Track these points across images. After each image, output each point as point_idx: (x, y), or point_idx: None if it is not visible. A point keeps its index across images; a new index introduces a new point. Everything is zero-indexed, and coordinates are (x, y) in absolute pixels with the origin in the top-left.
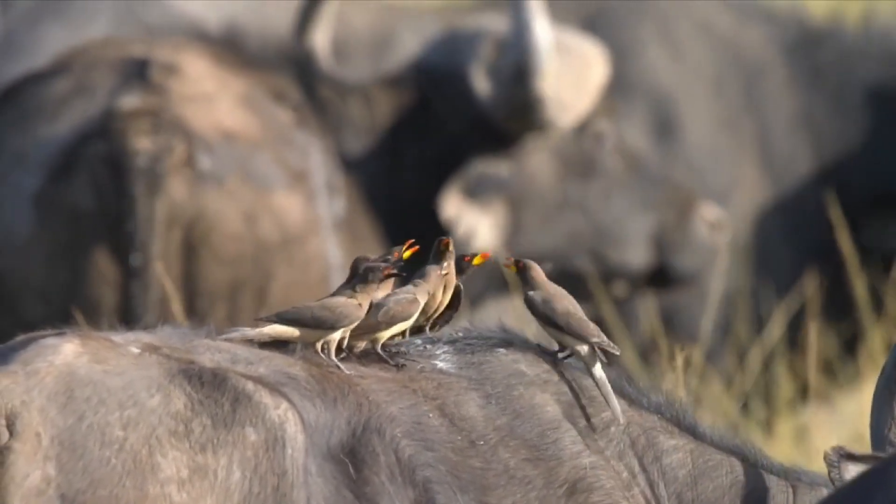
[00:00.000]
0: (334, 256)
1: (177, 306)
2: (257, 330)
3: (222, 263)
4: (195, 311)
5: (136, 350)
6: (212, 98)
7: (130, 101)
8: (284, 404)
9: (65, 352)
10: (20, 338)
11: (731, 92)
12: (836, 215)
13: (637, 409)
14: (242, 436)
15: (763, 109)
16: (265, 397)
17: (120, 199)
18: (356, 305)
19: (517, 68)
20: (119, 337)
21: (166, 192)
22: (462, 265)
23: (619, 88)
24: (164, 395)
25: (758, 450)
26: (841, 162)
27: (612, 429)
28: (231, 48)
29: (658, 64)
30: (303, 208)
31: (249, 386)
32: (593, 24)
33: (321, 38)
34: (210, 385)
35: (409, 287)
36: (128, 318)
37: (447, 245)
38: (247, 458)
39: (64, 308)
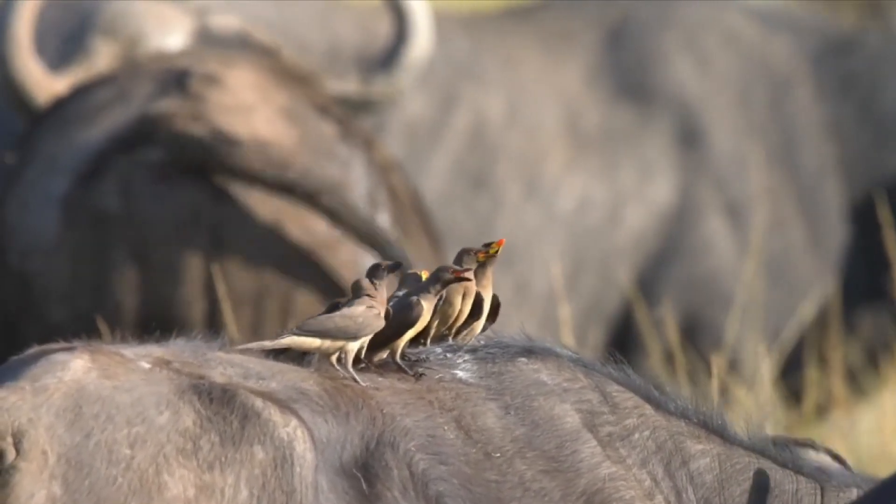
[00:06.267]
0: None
1: (228, 315)
2: (275, 341)
3: (247, 269)
4: (218, 318)
5: (146, 365)
6: (251, 109)
7: (163, 107)
8: (294, 422)
9: (74, 367)
10: (30, 351)
11: (758, 101)
12: (884, 216)
13: (663, 413)
14: (250, 454)
15: (789, 119)
16: (274, 415)
17: (147, 202)
18: (376, 315)
19: None
20: (130, 351)
21: (191, 193)
22: (490, 259)
23: (644, 97)
24: (173, 412)
25: (787, 451)
26: (869, 171)
27: (636, 435)
28: (281, 62)
29: (684, 73)
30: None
31: (259, 403)
32: (619, 33)
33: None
34: (219, 402)
35: (410, 293)
36: (149, 323)
37: (465, 253)
38: (255, 477)
39: (89, 312)
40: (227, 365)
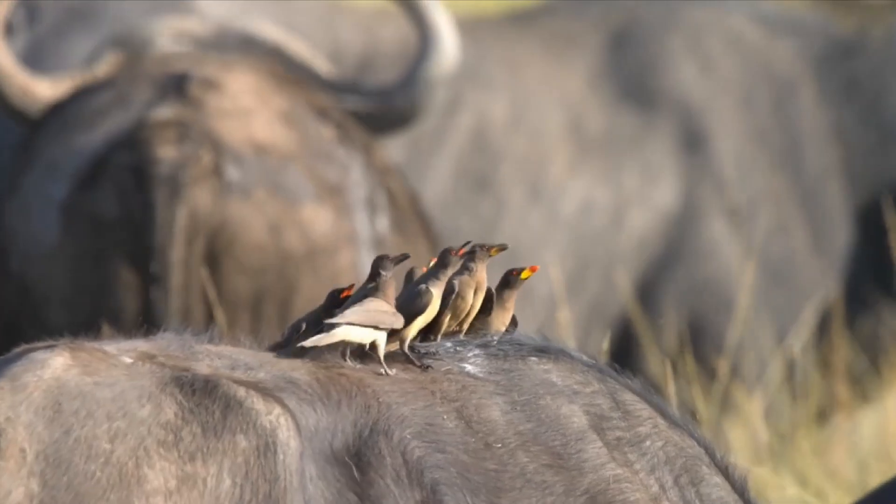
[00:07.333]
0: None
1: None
2: (329, 334)
3: (246, 273)
4: (217, 321)
5: (128, 360)
6: (249, 113)
7: (162, 112)
8: (277, 409)
9: (54, 365)
10: (13, 352)
11: (761, 105)
12: (892, 219)
13: (680, 433)
14: (233, 443)
15: (793, 122)
16: (257, 403)
17: (142, 207)
18: (393, 313)
19: None
20: (114, 347)
21: (188, 200)
22: (510, 279)
23: (648, 101)
24: (154, 405)
25: None
26: (873, 175)
27: (647, 443)
28: (280, 66)
29: (687, 77)
30: (333, 221)
31: (241, 392)
32: (622, 36)
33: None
34: (201, 392)
35: (418, 281)
36: (151, 326)
37: (477, 250)
38: (237, 466)
39: (88, 316)
40: (214, 357)
